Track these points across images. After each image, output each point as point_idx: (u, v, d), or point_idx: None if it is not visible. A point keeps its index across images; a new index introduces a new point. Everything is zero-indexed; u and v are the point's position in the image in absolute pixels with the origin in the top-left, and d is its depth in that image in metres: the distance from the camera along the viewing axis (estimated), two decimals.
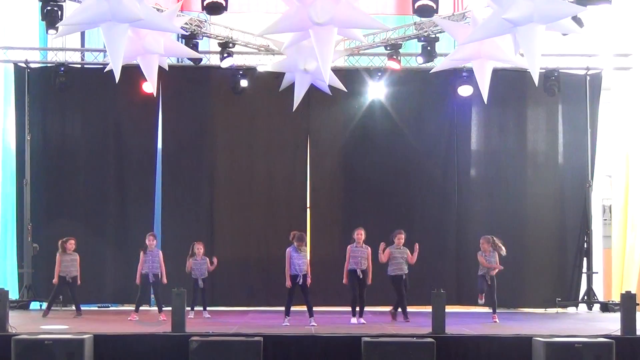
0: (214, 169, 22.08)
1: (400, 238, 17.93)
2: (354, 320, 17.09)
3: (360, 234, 17.44)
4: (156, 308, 18.80)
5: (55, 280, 19.05)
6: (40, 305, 21.29)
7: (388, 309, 18.47)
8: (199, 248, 18.92)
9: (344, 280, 17.25)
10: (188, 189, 21.91)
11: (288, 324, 16.81)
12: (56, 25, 17.50)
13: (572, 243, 21.92)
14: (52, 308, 19.29)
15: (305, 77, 18.38)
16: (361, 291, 17.24)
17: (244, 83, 21.48)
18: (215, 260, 19.01)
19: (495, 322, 17.68)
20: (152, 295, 19.17)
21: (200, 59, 20.57)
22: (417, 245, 17.65)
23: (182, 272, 18.90)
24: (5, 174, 22.24)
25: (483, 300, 17.97)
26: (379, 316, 18.52)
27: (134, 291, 18.74)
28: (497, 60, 17.17)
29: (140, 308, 18.55)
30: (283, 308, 17.10)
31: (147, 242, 18.49)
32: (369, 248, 17.37)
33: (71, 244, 19.11)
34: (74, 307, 19.42)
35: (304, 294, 17.13)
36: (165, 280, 18.59)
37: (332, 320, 17.47)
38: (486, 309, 18.98)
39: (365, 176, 21.99)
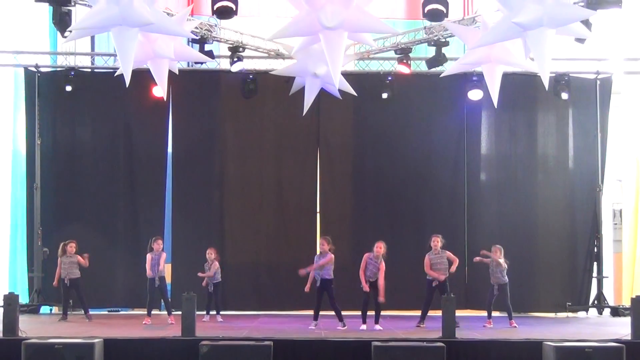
0: (224, 173, 22.09)
1: (436, 242, 17.91)
2: (363, 327, 17.03)
3: (379, 247, 17.32)
4: (166, 312, 18.79)
5: (55, 283, 19.24)
6: (50, 310, 21.35)
7: (397, 313, 18.43)
8: (210, 253, 18.96)
9: (366, 288, 17.16)
10: (198, 192, 21.92)
11: (314, 327, 17.02)
12: (67, 30, 17.51)
13: (582, 247, 21.90)
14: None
15: (315, 82, 18.37)
16: (375, 297, 17.18)
17: (253, 87, 21.48)
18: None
19: (515, 327, 17.69)
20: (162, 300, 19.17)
21: (211, 56, 20.56)
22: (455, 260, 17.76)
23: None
24: (16, 179, 22.30)
25: (492, 324, 17.94)
26: (389, 320, 18.49)
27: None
28: (507, 64, 17.15)
29: (152, 312, 18.53)
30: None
31: (154, 245, 18.49)
32: (383, 262, 17.29)
33: (71, 247, 19.17)
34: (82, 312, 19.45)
35: (318, 295, 17.24)
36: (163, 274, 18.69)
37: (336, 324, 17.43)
38: (497, 314, 18.93)
39: (375, 180, 22.00)
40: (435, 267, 17.77)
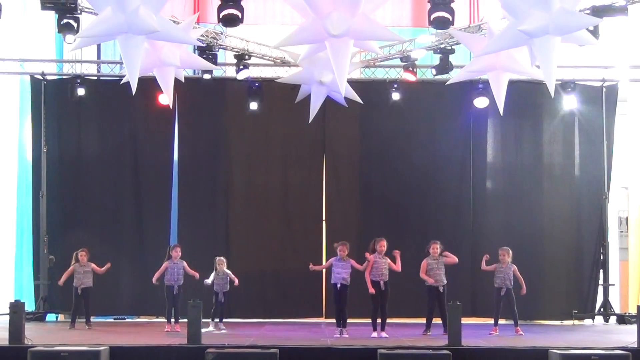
0: (229, 181, 22.09)
1: (435, 248, 17.98)
2: (374, 334, 17.01)
3: (382, 245, 17.34)
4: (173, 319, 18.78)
5: (60, 282, 19.20)
6: (56, 317, 21.34)
7: (404, 321, 18.37)
8: (221, 263, 18.96)
9: (370, 290, 17.17)
10: (204, 200, 21.91)
11: (338, 335, 17.01)
12: (73, 38, 17.50)
13: (588, 255, 21.86)
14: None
15: (321, 89, 18.36)
16: (383, 304, 17.15)
17: (259, 96, 21.49)
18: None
19: (521, 334, 17.68)
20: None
21: (212, 70, 20.62)
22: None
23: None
24: (22, 186, 22.31)
25: (497, 332, 17.93)
26: (395, 328, 18.47)
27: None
28: (513, 72, 17.11)
29: (157, 320, 18.49)
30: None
31: (172, 253, 18.46)
32: (388, 258, 17.34)
33: (82, 255, 19.13)
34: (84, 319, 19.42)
35: (338, 302, 17.25)
36: (197, 276, 18.58)
37: (349, 332, 17.38)
38: (503, 321, 18.88)
39: (381, 188, 21.98)
40: (431, 273, 17.88)
